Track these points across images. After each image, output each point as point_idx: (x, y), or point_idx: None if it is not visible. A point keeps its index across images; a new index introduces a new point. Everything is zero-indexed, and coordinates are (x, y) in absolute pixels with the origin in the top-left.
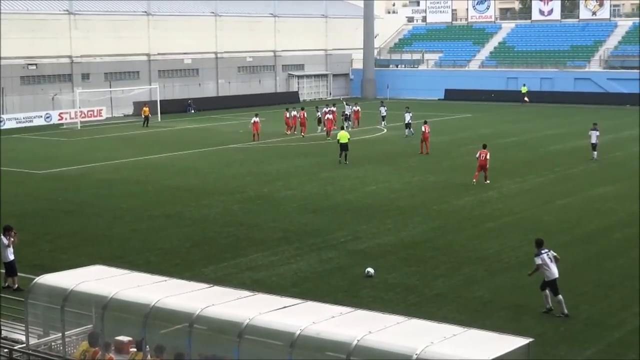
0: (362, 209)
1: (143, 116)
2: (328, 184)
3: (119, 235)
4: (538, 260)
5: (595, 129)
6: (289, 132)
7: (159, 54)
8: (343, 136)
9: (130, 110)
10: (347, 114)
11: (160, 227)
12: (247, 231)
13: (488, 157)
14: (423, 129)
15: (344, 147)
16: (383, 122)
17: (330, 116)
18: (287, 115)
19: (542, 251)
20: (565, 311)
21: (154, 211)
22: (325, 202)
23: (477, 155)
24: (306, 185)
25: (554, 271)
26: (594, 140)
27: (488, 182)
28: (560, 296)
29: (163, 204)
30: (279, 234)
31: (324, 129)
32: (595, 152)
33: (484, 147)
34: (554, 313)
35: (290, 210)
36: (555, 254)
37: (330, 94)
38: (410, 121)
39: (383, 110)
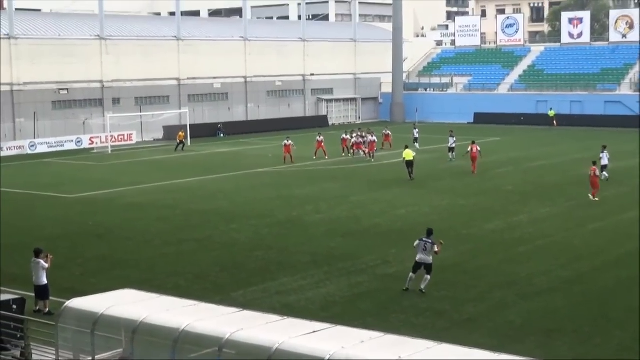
0: (392, 232)
1: (178, 141)
2: (357, 208)
3: (149, 259)
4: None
5: (604, 152)
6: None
7: (188, 78)
8: (408, 154)
9: (160, 135)
10: (365, 140)
11: (190, 251)
12: (276, 255)
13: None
14: (470, 149)
15: (409, 164)
16: (416, 144)
17: (359, 140)
18: (344, 136)
19: (423, 239)
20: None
21: (183, 235)
22: (354, 226)
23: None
24: (335, 209)
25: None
26: (604, 162)
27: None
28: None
29: (192, 228)
30: (308, 258)
31: (350, 153)
32: (605, 173)
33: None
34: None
35: (319, 234)
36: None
37: (359, 117)
38: (453, 145)
39: (415, 132)
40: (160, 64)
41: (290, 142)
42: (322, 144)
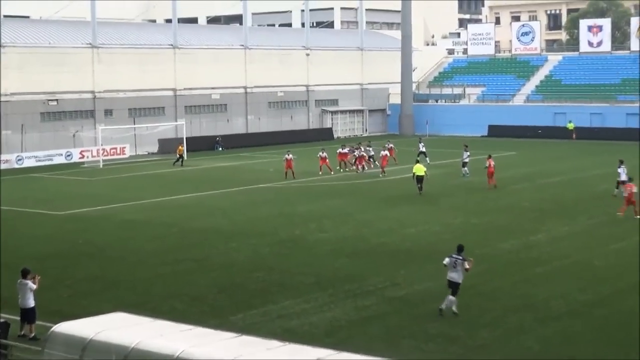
0: (401, 252)
1: (178, 155)
2: (364, 226)
3: (143, 280)
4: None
5: (621, 166)
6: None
7: (185, 88)
8: (419, 169)
9: (155, 148)
10: (371, 155)
11: (186, 271)
12: (277, 276)
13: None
14: (488, 164)
15: (419, 179)
16: (426, 159)
17: (361, 153)
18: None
19: (453, 255)
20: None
21: (179, 255)
22: (360, 245)
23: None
24: (341, 228)
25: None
26: (622, 178)
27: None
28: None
29: (189, 247)
30: (312, 280)
31: (352, 168)
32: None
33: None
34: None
35: (323, 254)
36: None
37: (366, 130)
38: (467, 159)
39: (421, 146)
40: (156, 73)
41: (291, 156)
42: (327, 160)
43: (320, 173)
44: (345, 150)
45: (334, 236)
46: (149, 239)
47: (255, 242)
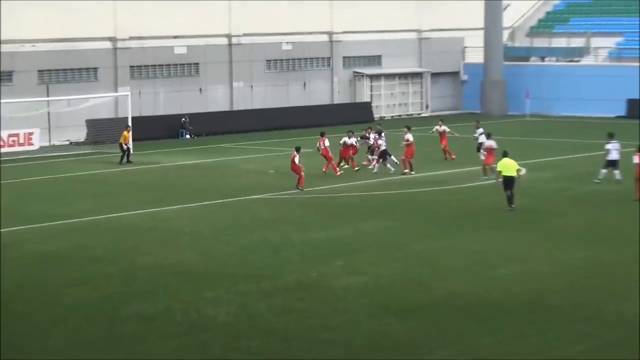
0: (484, 308)
1: (124, 145)
2: (422, 264)
3: (60, 351)
4: None
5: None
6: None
7: (131, 37)
8: (507, 166)
9: (80, 134)
10: (369, 142)
11: (131, 336)
12: (281, 347)
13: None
14: (636, 159)
15: (508, 183)
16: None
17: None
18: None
19: None
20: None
21: (120, 309)
22: (417, 296)
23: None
24: (384, 266)
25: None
26: (614, 157)
27: None
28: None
29: (136, 297)
30: (340, 352)
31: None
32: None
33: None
34: None
35: (357, 310)
36: None
37: (427, 106)
38: (616, 156)
39: (479, 132)
40: (84, 14)
41: (297, 157)
42: (352, 150)
43: (339, 172)
44: (352, 141)
45: (373, 281)
46: (71, 282)
47: (244, 289)
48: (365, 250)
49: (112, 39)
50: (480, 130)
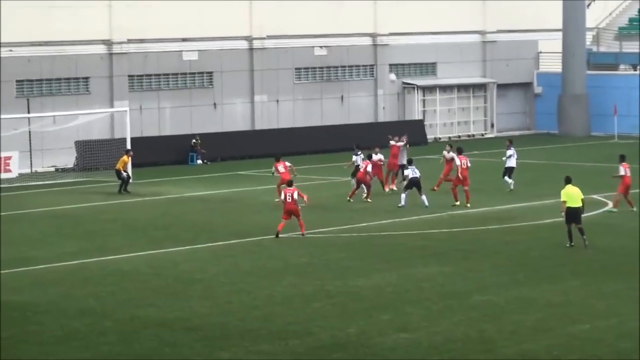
0: None
1: (124, 173)
2: (485, 318)
3: None
4: None
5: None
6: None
7: (130, 40)
8: (572, 196)
9: (67, 159)
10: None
11: None
12: None
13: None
14: (622, 171)
15: (573, 216)
16: (507, 178)
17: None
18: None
19: None
20: None
21: None
22: (480, 356)
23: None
24: (439, 321)
25: None
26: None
27: None
28: None
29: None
30: None
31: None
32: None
33: None
34: None
35: None
36: None
37: (492, 126)
38: None
39: (509, 154)
40: (72, 12)
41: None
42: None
43: (367, 199)
44: (378, 158)
45: (426, 338)
46: (54, 340)
47: (269, 349)
48: (416, 302)
49: (107, 42)
50: (511, 151)
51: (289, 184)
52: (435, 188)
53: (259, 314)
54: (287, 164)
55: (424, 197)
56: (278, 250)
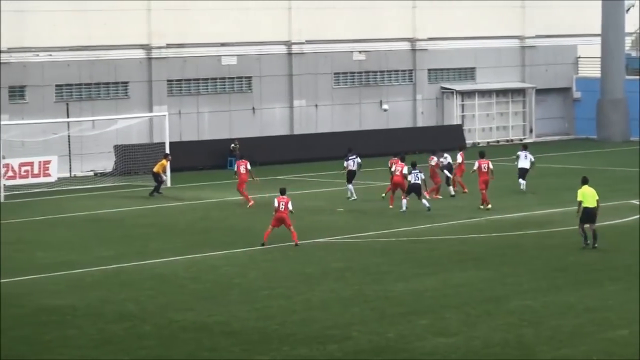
0: None
1: (163, 177)
2: (524, 323)
3: None
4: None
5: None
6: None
7: (169, 45)
8: (587, 196)
9: (106, 164)
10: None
11: None
12: None
13: None
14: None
15: (588, 216)
16: (522, 182)
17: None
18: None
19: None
20: None
21: None
22: None
23: None
24: (477, 326)
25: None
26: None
27: None
28: None
29: None
30: None
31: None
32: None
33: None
34: None
35: None
36: None
37: (531, 131)
38: None
39: (523, 156)
40: (111, 16)
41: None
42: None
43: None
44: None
45: (464, 343)
46: (93, 344)
47: (307, 353)
48: (454, 307)
49: (146, 47)
50: (522, 153)
51: (282, 192)
52: (464, 190)
53: (298, 319)
54: (249, 166)
55: (424, 201)
56: (316, 255)
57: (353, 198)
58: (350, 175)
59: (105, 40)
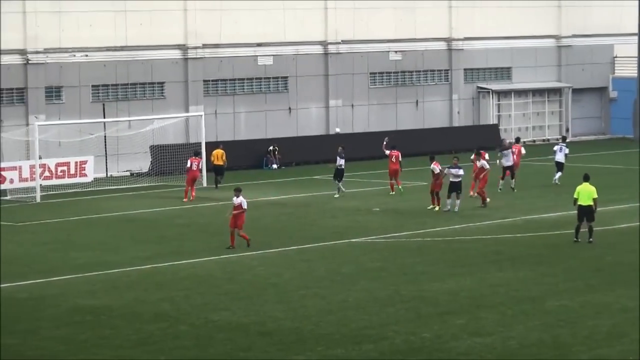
0: None
1: (218, 163)
2: (560, 323)
3: None
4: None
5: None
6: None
7: (205, 45)
8: (583, 193)
9: (142, 164)
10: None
11: None
12: None
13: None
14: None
15: (583, 213)
16: (556, 176)
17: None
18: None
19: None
20: None
21: None
22: None
23: None
24: (513, 326)
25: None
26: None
27: None
28: None
29: None
30: None
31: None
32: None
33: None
34: None
35: None
36: None
37: (568, 130)
38: None
39: (559, 149)
40: (147, 16)
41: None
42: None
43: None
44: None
45: (500, 343)
46: (129, 344)
47: (343, 353)
48: (490, 306)
49: (182, 47)
50: (557, 147)
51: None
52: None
53: (333, 319)
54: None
55: (457, 201)
56: (351, 254)
57: (342, 193)
58: (339, 173)
59: (142, 40)
